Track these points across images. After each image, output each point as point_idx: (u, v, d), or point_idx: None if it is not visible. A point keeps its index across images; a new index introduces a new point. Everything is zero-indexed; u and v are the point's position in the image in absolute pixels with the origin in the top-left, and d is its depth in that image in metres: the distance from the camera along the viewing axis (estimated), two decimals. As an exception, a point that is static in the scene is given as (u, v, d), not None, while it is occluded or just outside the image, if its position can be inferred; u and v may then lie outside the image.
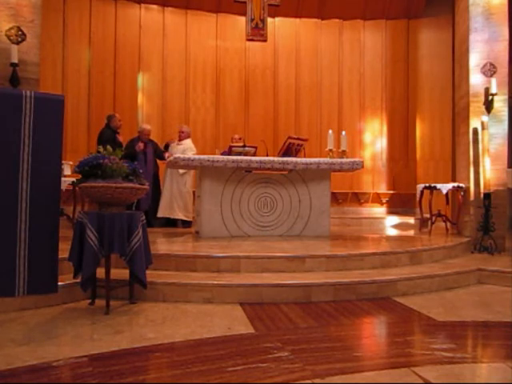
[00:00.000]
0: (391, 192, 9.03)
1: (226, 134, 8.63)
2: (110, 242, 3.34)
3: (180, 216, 7.15)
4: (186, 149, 7.20)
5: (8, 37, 5.04)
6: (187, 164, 5.59)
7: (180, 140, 7.36)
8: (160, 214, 7.12)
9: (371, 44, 9.21)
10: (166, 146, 7.35)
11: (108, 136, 6.67)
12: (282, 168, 5.77)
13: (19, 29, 5.09)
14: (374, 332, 3.26)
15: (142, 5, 8.56)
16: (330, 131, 6.29)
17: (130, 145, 6.86)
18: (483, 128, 5.92)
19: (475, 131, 6.06)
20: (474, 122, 6.06)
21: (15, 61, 4.97)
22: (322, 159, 5.92)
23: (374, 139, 9.20)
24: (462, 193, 6.27)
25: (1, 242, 3.24)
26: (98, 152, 3.52)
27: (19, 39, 5.09)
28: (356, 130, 9.12)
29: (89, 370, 2.30)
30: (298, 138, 6.42)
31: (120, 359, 2.47)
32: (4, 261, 3.25)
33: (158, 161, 7.29)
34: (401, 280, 4.09)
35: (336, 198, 8.68)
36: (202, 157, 5.65)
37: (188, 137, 7.43)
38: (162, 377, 2.29)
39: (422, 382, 2.19)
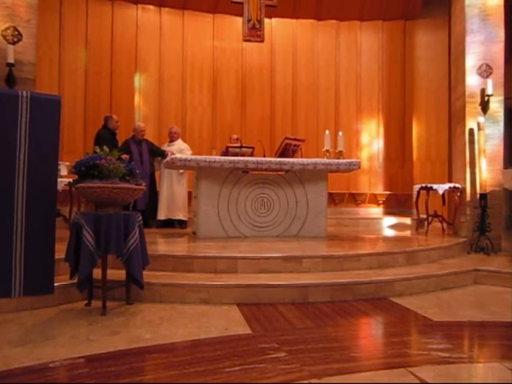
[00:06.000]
0: (388, 192, 9.05)
1: (223, 134, 8.63)
2: (106, 243, 3.33)
3: (180, 216, 7.15)
4: (182, 148, 7.21)
5: (4, 37, 5.03)
6: (184, 164, 5.58)
7: (172, 141, 7.36)
8: (162, 217, 7.07)
9: (368, 45, 9.23)
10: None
11: (106, 136, 6.66)
12: (279, 168, 5.78)
13: (15, 29, 5.08)
14: (370, 332, 3.26)
15: (139, 5, 8.54)
16: (327, 132, 6.30)
17: (123, 147, 6.79)
18: (479, 129, 5.95)
19: (471, 132, 6.08)
20: (470, 123, 6.09)
21: (11, 61, 4.96)
22: (318, 160, 5.93)
23: (371, 140, 9.21)
24: (459, 193, 6.29)
25: (-3, 242, 3.23)
26: (95, 152, 3.52)
27: (15, 39, 5.08)
28: (353, 130, 9.13)
29: (85, 371, 2.30)
30: (294, 139, 6.43)
31: (117, 360, 2.47)
32: (0, 262, 3.23)
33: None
34: (397, 280, 4.10)
35: (333, 199, 8.69)
36: (198, 157, 5.65)
37: (179, 137, 7.47)
38: (159, 378, 2.29)
39: (418, 382, 2.19)
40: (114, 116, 7.05)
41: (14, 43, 5.05)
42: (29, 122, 3.31)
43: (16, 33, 5.08)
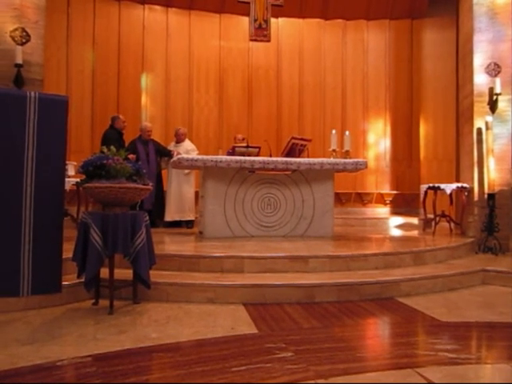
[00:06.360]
0: (395, 192, 9.01)
1: (229, 133, 8.64)
2: (113, 242, 3.35)
3: (191, 217, 7.16)
4: (189, 149, 7.21)
5: (12, 38, 5.07)
6: (191, 164, 5.60)
7: (179, 142, 7.36)
8: (169, 218, 7.07)
9: (375, 44, 9.19)
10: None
11: (113, 136, 6.68)
12: (286, 168, 5.77)
13: (24, 30, 5.12)
14: (377, 332, 3.25)
15: (146, 5, 8.57)
16: (334, 131, 6.29)
17: (130, 147, 6.80)
18: (487, 128, 5.90)
19: (479, 131, 6.04)
20: (478, 122, 6.04)
21: (20, 62, 4.99)
22: (325, 159, 5.91)
23: (378, 139, 9.17)
24: (466, 193, 6.25)
25: (6, 242, 3.26)
26: (102, 152, 3.53)
27: (23, 40, 5.12)
28: (359, 130, 9.10)
29: (92, 370, 2.31)
30: (301, 139, 6.42)
31: (123, 359, 2.48)
32: (9, 261, 3.26)
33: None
34: (404, 280, 4.08)
35: (339, 199, 8.67)
36: (205, 157, 5.66)
37: (186, 137, 7.50)
38: (165, 377, 2.30)
39: (425, 382, 2.18)
40: (120, 116, 7.08)
41: (22, 44, 5.09)
42: (37, 123, 3.33)
43: (24, 34, 5.12)
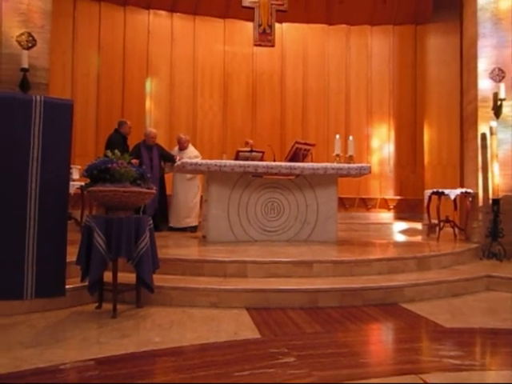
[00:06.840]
0: (398, 197, 8.99)
1: (234, 138, 8.66)
2: (117, 246, 3.36)
3: (192, 223, 7.15)
4: (191, 157, 7.21)
5: (19, 42, 5.12)
6: (195, 168, 5.62)
7: (182, 149, 7.36)
8: (175, 225, 7.08)
9: (379, 49, 9.21)
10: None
11: (117, 140, 6.70)
12: (289, 173, 5.77)
13: (30, 34, 5.16)
14: (380, 338, 3.24)
15: (151, 10, 8.63)
16: (337, 136, 6.28)
17: (134, 151, 6.82)
18: (492, 133, 5.89)
19: (483, 136, 6.02)
20: (483, 128, 6.03)
21: (25, 66, 5.04)
22: (329, 164, 5.91)
23: (382, 144, 9.17)
24: (471, 198, 6.23)
25: (10, 246, 3.27)
26: (106, 156, 3.55)
27: (29, 45, 5.16)
28: (363, 135, 9.10)
29: (95, 374, 2.31)
30: (305, 143, 6.43)
31: (127, 363, 2.48)
32: (13, 264, 3.27)
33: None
34: (408, 286, 4.07)
35: (343, 204, 8.66)
36: (209, 161, 5.67)
37: (189, 143, 7.51)
38: (168, 381, 2.30)
39: (429, 389, 2.17)
40: (128, 122, 7.10)
41: (28, 48, 5.13)
42: (42, 126, 3.35)
43: (30, 38, 5.17)
